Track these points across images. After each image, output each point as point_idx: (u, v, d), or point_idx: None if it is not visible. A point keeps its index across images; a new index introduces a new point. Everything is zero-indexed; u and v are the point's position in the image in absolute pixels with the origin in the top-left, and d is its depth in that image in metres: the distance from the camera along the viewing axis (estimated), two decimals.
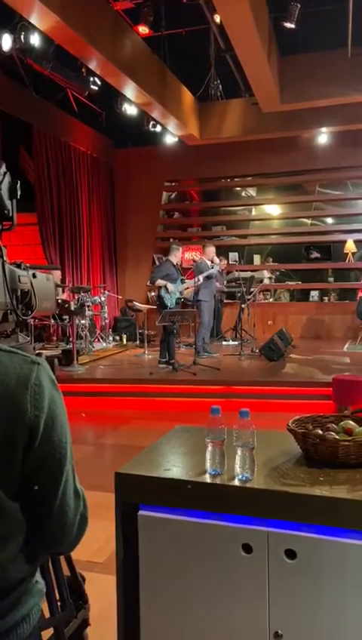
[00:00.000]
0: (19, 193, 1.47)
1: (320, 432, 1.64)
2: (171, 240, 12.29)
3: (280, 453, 1.70)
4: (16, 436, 0.90)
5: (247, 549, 1.46)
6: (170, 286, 7.92)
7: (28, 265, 1.70)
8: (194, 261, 8.88)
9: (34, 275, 1.68)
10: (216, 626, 1.51)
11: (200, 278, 8.22)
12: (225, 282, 10.42)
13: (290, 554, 1.42)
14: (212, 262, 8.63)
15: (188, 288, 8.59)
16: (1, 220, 1.48)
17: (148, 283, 8.78)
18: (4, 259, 1.52)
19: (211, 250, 8.78)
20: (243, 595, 1.48)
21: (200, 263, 8.50)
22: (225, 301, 10.85)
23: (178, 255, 8.40)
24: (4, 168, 1.42)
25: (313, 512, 1.41)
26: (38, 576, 1.07)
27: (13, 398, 0.91)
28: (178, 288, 8.09)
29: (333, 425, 1.72)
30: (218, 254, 9.10)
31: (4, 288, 1.51)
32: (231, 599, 1.49)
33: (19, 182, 1.47)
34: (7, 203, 1.46)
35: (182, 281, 8.23)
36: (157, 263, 10.49)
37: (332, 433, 1.63)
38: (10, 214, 1.47)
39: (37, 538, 1.00)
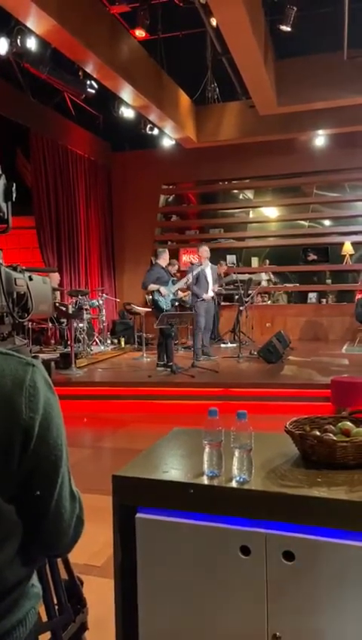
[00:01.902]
0: (14, 195, 1.47)
1: (317, 433, 1.64)
2: (169, 243, 12.30)
3: (278, 454, 1.70)
4: (11, 437, 0.90)
5: (245, 551, 1.45)
6: (162, 289, 7.95)
7: (24, 267, 1.70)
8: (191, 264, 8.91)
9: (30, 278, 1.67)
10: (214, 628, 1.51)
11: (189, 277, 8.24)
12: (223, 284, 10.41)
13: (288, 556, 1.41)
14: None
15: (185, 292, 8.61)
16: None
17: (141, 288, 8.80)
18: (1, 262, 1.52)
19: (205, 249, 8.78)
20: (241, 598, 1.47)
21: (191, 266, 8.56)
22: (223, 304, 10.85)
23: (165, 257, 8.46)
24: None
25: (311, 514, 1.40)
26: (34, 580, 1.07)
27: (9, 400, 0.91)
28: (171, 290, 8.12)
29: (331, 426, 1.71)
30: (216, 257, 9.08)
31: (0, 291, 1.51)
32: (230, 602, 1.48)
33: (14, 184, 1.47)
34: (3, 205, 1.46)
35: (173, 282, 8.28)
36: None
37: (330, 434, 1.63)
38: (6, 217, 1.47)
39: (33, 540, 0.99)
